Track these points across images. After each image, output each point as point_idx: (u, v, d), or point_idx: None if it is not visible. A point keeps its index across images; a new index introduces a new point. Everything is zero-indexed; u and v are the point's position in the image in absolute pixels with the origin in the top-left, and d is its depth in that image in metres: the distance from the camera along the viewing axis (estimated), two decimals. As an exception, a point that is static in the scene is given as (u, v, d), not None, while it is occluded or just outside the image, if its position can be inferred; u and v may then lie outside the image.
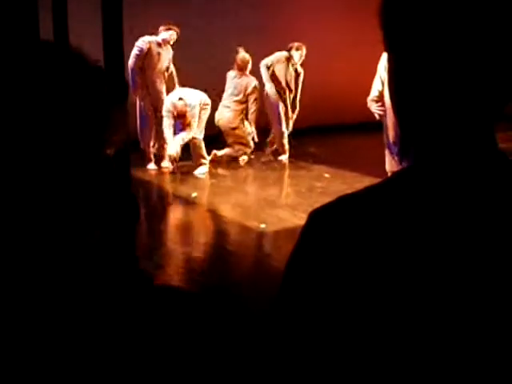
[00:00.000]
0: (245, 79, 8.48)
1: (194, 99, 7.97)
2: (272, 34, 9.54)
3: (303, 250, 0.92)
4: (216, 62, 8.75)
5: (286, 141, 8.80)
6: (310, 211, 0.95)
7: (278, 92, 8.61)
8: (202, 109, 8.01)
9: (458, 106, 0.86)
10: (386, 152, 6.75)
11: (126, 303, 0.75)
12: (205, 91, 8.08)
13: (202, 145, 8.11)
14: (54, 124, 0.69)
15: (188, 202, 7.04)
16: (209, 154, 8.34)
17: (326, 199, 0.91)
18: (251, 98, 8.50)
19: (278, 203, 6.73)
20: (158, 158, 8.36)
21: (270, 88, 8.57)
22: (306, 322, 0.89)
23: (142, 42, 8.01)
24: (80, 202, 0.73)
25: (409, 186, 0.90)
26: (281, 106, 8.67)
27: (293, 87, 8.74)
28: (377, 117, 6.77)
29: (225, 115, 8.48)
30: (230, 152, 8.61)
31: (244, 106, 8.53)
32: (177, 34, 8.23)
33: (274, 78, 8.56)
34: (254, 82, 8.50)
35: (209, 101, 8.10)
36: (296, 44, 8.62)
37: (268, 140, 8.95)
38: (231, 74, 8.59)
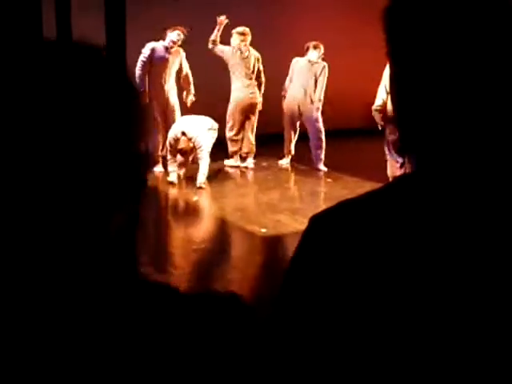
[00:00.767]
0: None
1: (197, 130, 7.42)
2: (277, 33, 9.55)
3: (303, 254, 0.92)
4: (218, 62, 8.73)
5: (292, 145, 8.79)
6: (310, 216, 0.95)
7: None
8: (209, 135, 7.49)
9: (459, 112, 0.86)
10: (388, 157, 6.76)
11: (126, 304, 0.75)
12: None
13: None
14: (59, 121, 0.69)
15: (189, 206, 7.04)
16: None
17: (327, 204, 0.91)
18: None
19: (278, 208, 6.73)
20: (166, 161, 8.30)
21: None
22: (306, 325, 0.90)
23: (146, 49, 8.02)
24: (98, 198, 0.72)
25: (409, 191, 0.90)
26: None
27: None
28: (379, 127, 6.76)
29: None
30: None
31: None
32: (184, 34, 8.22)
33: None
34: None
35: (216, 125, 7.63)
36: (313, 43, 8.55)
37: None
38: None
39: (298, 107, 8.48)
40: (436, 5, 0.85)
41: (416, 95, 0.88)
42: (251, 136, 8.61)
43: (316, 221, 0.94)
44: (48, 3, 3.12)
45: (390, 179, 5.88)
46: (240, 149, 8.65)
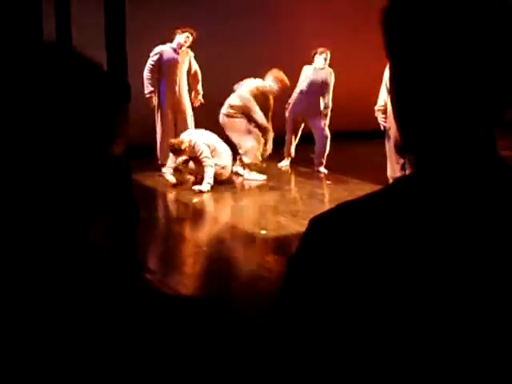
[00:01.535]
0: None
1: (202, 138, 7.46)
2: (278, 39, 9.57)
3: (303, 256, 0.93)
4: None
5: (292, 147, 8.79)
6: (310, 218, 0.95)
7: None
8: (211, 151, 7.42)
9: (458, 114, 0.86)
10: (388, 159, 6.77)
11: (125, 305, 0.75)
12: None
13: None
14: (54, 123, 0.69)
15: (188, 208, 7.04)
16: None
17: (327, 206, 0.91)
18: None
19: (278, 209, 6.73)
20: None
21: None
22: (306, 326, 0.90)
23: (154, 53, 8.03)
24: (81, 200, 0.73)
25: (409, 193, 0.90)
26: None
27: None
28: (381, 127, 6.77)
29: None
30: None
31: None
32: (192, 36, 8.21)
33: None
34: None
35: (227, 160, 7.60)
36: (320, 49, 8.55)
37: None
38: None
39: (304, 113, 8.47)
40: (434, 6, 0.85)
41: (416, 96, 0.88)
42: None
43: (316, 223, 0.94)
44: (48, 3, 3.13)
45: (390, 181, 5.88)
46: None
